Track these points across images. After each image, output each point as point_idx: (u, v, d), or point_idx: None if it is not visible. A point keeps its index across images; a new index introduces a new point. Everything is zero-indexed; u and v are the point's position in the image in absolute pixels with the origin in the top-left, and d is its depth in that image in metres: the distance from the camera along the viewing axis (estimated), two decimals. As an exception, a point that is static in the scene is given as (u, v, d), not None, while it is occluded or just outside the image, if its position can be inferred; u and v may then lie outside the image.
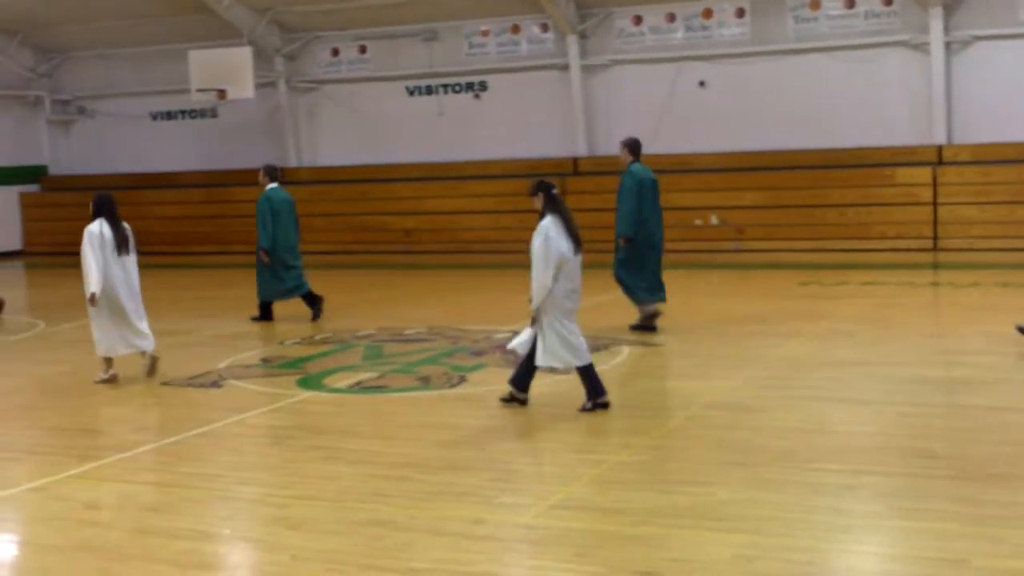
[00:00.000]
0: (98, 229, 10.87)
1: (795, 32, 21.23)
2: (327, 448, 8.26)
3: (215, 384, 10.64)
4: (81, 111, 27.28)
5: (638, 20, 22.17)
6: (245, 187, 24.54)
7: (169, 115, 26.18)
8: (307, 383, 10.57)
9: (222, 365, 11.48)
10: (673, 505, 6.65)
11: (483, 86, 23.47)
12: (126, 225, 11.14)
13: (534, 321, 8.93)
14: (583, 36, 22.49)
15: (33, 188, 27.10)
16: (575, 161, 22.80)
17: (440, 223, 23.11)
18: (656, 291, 12.79)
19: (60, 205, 26.41)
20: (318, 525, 6.49)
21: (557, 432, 8.60)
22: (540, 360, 8.90)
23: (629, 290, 12.79)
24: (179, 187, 25.81)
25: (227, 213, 24.62)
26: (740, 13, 21.49)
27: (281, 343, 12.80)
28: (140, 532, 6.55)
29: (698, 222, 21.32)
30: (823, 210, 20.67)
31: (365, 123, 24.40)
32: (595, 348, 11.49)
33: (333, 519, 6.58)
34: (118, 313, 10.87)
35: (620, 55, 22.37)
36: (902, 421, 8.55)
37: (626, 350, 11.59)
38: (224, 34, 23.82)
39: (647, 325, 12.63)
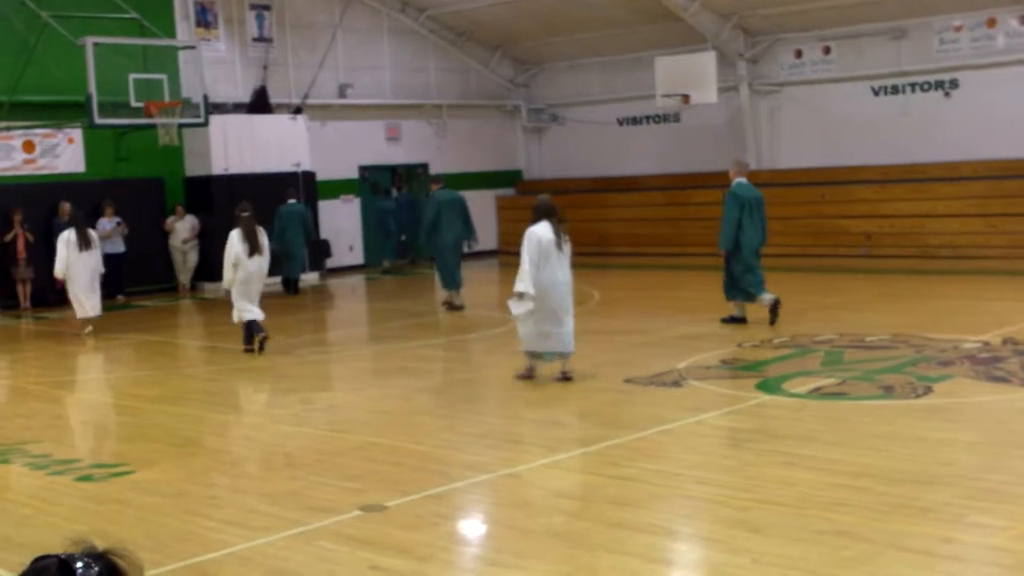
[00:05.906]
0: (67, 235, 16.14)
1: None
2: (786, 453, 8.25)
3: (676, 384, 10.91)
4: (553, 118, 28.81)
5: None
6: (704, 189, 24.89)
7: (635, 120, 27.04)
8: (766, 386, 10.59)
9: (682, 365, 11.74)
10: None
11: (954, 84, 22.38)
12: (91, 231, 16.51)
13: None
14: (1069, 26, 20.91)
15: (508, 192, 28.92)
16: (1056, 162, 21.26)
17: (903, 227, 22.27)
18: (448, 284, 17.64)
19: (530, 208, 27.95)
20: (779, 530, 6.50)
21: (1033, 452, 8.10)
22: (235, 318, 14.09)
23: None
24: (640, 190, 26.57)
25: (685, 216, 24.99)
26: None
27: (740, 345, 12.89)
28: (606, 523, 6.81)
29: None
30: None
31: (827, 124, 23.98)
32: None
33: (793, 525, 6.57)
34: (82, 289, 16.11)
35: (1113, 45, 20.60)
36: None
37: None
38: (689, 40, 24.29)
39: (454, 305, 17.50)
